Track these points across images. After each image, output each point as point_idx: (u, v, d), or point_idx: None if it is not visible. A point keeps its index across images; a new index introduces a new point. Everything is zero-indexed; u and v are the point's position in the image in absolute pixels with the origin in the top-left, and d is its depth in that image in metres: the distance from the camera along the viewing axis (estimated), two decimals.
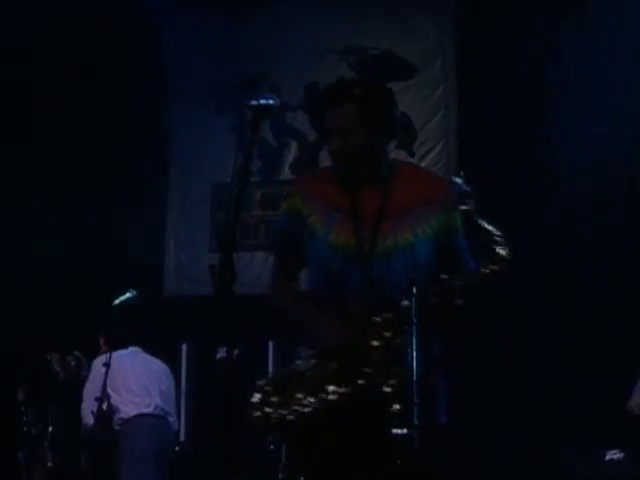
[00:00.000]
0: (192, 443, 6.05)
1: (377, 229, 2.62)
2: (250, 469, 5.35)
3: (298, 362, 2.61)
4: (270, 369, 6.17)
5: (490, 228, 2.55)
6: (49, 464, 5.55)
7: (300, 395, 2.53)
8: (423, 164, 6.45)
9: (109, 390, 5.25)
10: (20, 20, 6.57)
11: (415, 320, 2.40)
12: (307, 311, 2.71)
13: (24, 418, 5.61)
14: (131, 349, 5.60)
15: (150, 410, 5.28)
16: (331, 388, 2.49)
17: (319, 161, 7.36)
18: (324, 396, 2.50)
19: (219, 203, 7.20)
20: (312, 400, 2.51)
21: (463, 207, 2.59)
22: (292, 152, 7.40)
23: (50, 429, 5.59)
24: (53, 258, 6.60)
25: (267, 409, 2.56)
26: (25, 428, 5.61)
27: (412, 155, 6.90)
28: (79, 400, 5.50)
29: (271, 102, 2.57)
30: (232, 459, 2.58)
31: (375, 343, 2.50)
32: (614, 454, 5.09)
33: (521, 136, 6.57)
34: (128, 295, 5.58)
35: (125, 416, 5.26)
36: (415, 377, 2.35)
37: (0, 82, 6.88)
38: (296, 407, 2.53)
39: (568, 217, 6.22)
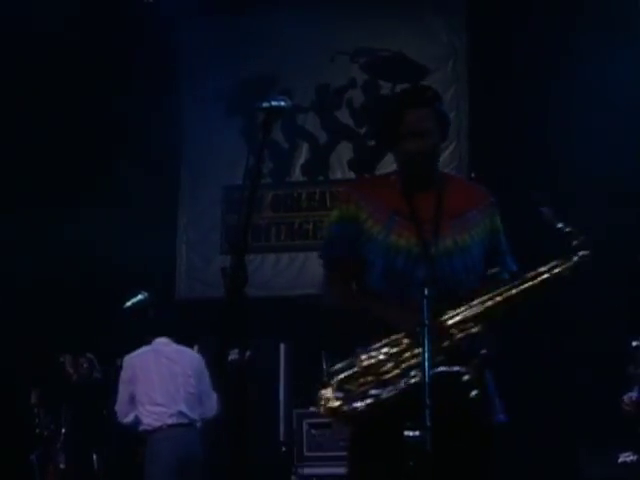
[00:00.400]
0: (204, 444, 6.05)
1: (437, 230, 2.74)
2: (263, 471, 5.34)
3: (372, 352, 2.63)
4: (281, 371, 6.18)
5: (570, 229, 2.72)
6: (61, 465, 5.57)
7: (375, 383, 2.58)
8: None
9: (136, 397, 5.17)
10: (31, 19, 6.59)
11: (427, 323, 2.43)
12: (376, 304, 2.72)
13: (37, 420, 5.63)
14: (158, 341, 5.34)
15: (173, 420, 5.12)
16: (411, 373, 2.55)
17: (330, 163, 7.38)
18: (403, 382, 2.55)
19: (230, 205, 7.21)
20: (389, 387, 2.56)
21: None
22: (303, 154, 7.40)
23: (63, 431, 5.60)
24: (65, 260, 6.62)
25: (339, 399, 2.60)
26: (38, 430, 5.63)
27: None
28: (91, 401, 5.51)
29: (283, 104, 2.59)
30: (244, 460, 2.58)
31: (454, 331, 2.59)
32: (627, 456, 5.08)
33: (532, 137, 6.56)
34: (140, 297, 5.59)
35: (149, 428, 5.14)
36: (427, 379, 2.37)
37: (12, 83, 6.93)
38: (372, 394, 2.57)
39: (580, 217, 6.19)
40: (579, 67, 6.33)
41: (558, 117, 6.40)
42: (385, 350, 2.61)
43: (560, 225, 2.72)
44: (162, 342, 5.37)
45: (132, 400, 5.20)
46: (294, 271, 7.14)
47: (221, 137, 7.33)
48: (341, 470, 5.54)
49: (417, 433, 2.35)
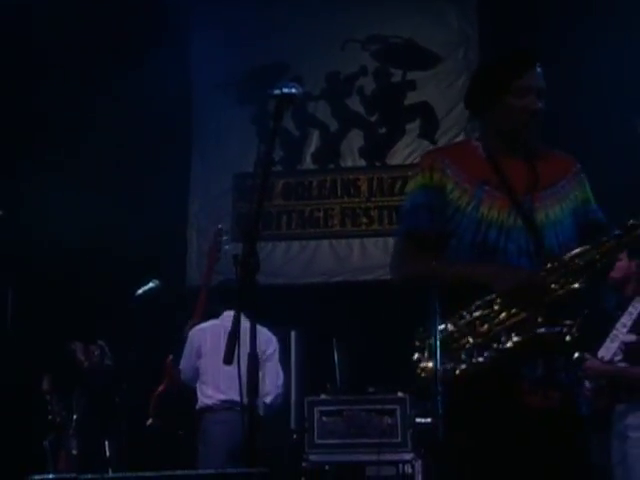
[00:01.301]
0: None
1: (532, 202, 2.61)
2: (273, 459, 5.35)
3: (466, 315, 2.49)
4: (292, 358, 6.19)
5: None
6: (74, 452, 5.59)
7: (471, 345, 2.47)
8: None
9: (200, 374, 5.22)
10: (43, 8, 6.60)
11: (438, 310, 2.41)
12: (466, 267, 2.55)
13: (49, 407, 5.65)
14: (228, 316, 5.05)
15: (226, 406, 5.07)
16: (507, 337, 2.44)
17: (340, 151, 7.36)
18: (499, 345, 2.44)
19: (241, 193, 7.22)
20: (487, 350, 2.45)
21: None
22: (314, 142, 7.39)
23: (74, 417, 5.63)
24: (76, 247, 6.64)
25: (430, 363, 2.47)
26: (50, 416, 5.65)
27: (434, 143, 6.89)
28: (103, 388, 5.53)
29: (294, 91, 2.59)
30: (255, 448, 2.59)
31: (554, 286, 2.47)
32: None
33: (543, 126, 6.52)
34: (151, 285, 5.60)
35: (204, 407, 5.16)
36: (439, 367, 2.35)
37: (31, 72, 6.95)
38: (467, 358, 2.46)
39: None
40: (593, 54, 6.28)
41: (572, 105, 6.36)
42: (479, 313, 2.48)
43: None
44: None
45: (197, 372, 5.27)
46: (305, 259, 7.15)
47: (232, 125, 7.34)
48: (352, 457, 5.59)
49: (428, 420, 2.34)
